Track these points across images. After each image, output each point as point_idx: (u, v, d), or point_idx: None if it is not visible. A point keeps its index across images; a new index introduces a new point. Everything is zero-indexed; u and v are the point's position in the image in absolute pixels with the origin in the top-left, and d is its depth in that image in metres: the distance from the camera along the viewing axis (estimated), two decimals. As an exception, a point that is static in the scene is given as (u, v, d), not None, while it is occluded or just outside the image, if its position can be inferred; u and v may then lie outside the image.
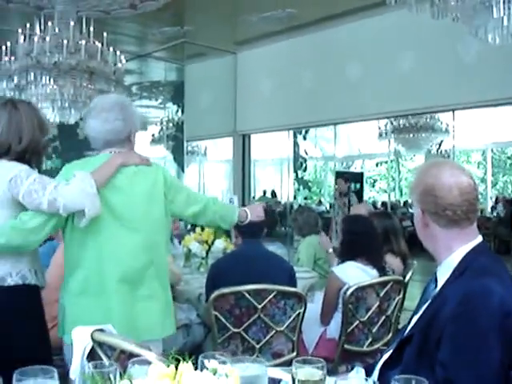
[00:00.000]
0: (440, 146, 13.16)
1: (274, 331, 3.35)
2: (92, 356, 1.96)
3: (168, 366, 1.20)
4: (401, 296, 3.88)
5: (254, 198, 13.32)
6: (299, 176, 13.70)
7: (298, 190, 13.82)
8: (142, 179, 2.75)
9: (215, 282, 3.52)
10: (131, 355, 1.75)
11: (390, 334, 3.84)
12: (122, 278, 2.63)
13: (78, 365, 1.98)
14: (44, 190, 2.48)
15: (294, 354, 3.41)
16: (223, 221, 3.06)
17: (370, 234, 3.88)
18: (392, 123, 12.09)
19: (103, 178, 2.60)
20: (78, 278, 2.66)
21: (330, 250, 5.20)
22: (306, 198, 14.72)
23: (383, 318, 3.77)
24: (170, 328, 2.87)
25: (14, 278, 2.60)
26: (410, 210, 12.72)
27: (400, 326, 3.81)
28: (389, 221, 4.64)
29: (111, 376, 1.36)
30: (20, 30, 6.99)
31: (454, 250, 1.87)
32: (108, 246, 2.64)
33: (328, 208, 14.29)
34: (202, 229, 4.93)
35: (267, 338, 3.36)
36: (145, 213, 2.71)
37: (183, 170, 12.45)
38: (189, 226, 8.23)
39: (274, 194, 14.33)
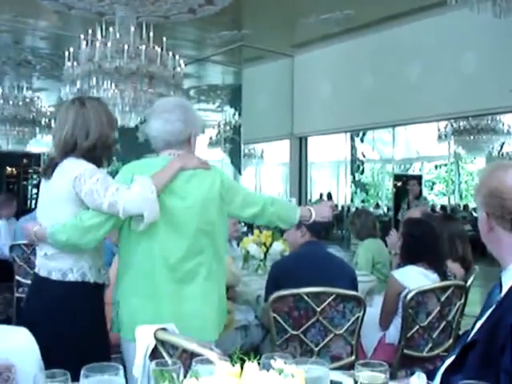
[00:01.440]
0: (502, 148, 12.88)
1: (332, 334, 3.33)
2: (154, 354, 1.99)
3: (233, 366, 1.21)
4: (462, 301, 3.80)
5: (310, 200, 13.28)
6: (356, 179, 13.61)
7: (355, 192, 13.72)
8: (198, 183, 2.75)
9: (278, 282, 3.52)
10: (193, 354, 1.78)
11: (451, 340, 3.76)
12: (172, 281, 2.67)
13: (140, 363, 2.02)
14: (105, 191, 2.52)
15: (353, 357, 3.38)
16: (282, 221, 3.03)
17: (432, 238, 3.81)
18: (452, 125, 11.88)
19: (163, 183, 2.63)
20: (131, 278, 2.71)
21: (394, 252, 5.14)
22: (363, 201, 14.59)
23: (444, 323, 3.70)
24: (220, 329, 2.88)
25: (74, 274, 2.68)
26: (474, 214, 12.45)
27: (461, 332, 3.74)
28: (455, 224, 4.59)
29: (174, 375, 1.38)
30: (82, 36, 7.18)
31: (518, 255, 1.83)
32: (160, 248, 2.66)
33: (386, 211, 14.12)
34: (260, 231, 4.96)
35: (326, 340, 3.33)
36: (199, 217, 2.71)
37: (240, 173, 12.53)
38: (245, 229, 8.26)
39: (329, 196, 14.27)
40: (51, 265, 2.69)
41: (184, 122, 2.76)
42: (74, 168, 2.64)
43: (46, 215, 2.73)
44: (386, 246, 5.48)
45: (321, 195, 14.83)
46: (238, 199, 2.87)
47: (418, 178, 13.69)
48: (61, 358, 2.09)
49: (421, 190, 11.71)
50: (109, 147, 2.82)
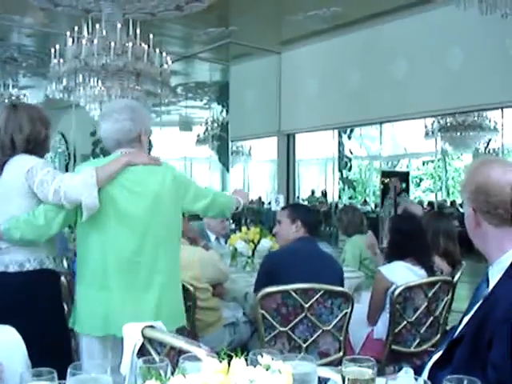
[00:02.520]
0: (488, 144, 12.92)
1: (320, 330, 3.34)
2: (142, 352, 1.98)
3: (220, 362, 1.21)
4: (449, 297, 3.82)
5: (298, 197, 13.29)
6: (344, 175, 13.62)
7: (343, 189, 13.74)
8: (149, 178, 2.83)
9: (271, 274, 3.56)
10: (181, 352, 1.77)
11: (438, 335, 3.79)
12: (124, 273, 2.74)
13: (128, 360, 2.01)
14: (53, 180, 2.64)
15: (341, 353, 3.39)
16: (228, 209, 3.24)
17: (420, 234, 3.84)
18: (439, 122, 11.91)
19: (106, 173, 2.69)
20: (86, 272, 2.79)
21: (377, 251, 5.16)
22: (350, 198, 14.62)
23: (431, 318, 3.72)
24: (180, 321, 2.95)
25: (32, 263, 2.76)
26: (461, 210, 12.51)
27: (448, 327, 3.76)
28: (443, 221, 4.63)
29: (162, 372, 1.38)
30: (68, 33, 7.13)
31: (506, 249, 1.83)
32: (111, 242, 2.74)
33: (373, 208, 14.16)
34: (248, 228, 4.96)
35: (314, 337, 3.34)
36: (150, 211, 2.79)
37: (228, 170, 12.51)
38: (233, 226, 8.26)
39: (324, 193, 14.28)
40: (7, 258, 2.74)
41: (132, 121, 2.84)
42: (25, 162, 2.74)
43: None
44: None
45: (312, 192, 14.86)
46: (190, 193, 2.98)
47: (405, 175, 13.72)
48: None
49: (407, 187, 11.76)
50: (40, 143, 2.91)
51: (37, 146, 2.88)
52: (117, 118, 2.83)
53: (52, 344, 2.67)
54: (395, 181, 10.39)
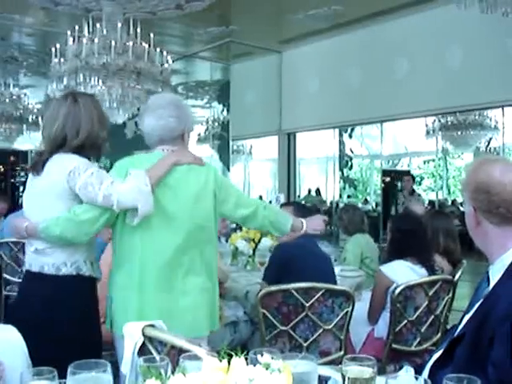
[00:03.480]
0: (489, 143, 12.90)
1: (321, 329, 3.34)
2: (142, 351, 1.98)
3: (220, 361, 1.21)
4: (450, 295, 3.82)
5: (299, 196, 13.28)
6: (345, 174, 13.59)
7: (344, 188, 13.71)
8: (193, 178, 2.78)
9: (286, 265, 3.64)
10: (181, 351, 1.77)
11: (439, 334, 3.79)
12: (162, 274, 2.68)
13: (129, 359, 2.01)
14: (100, 184, 2.53)
15: (342, 352, 3.39)
16: (274, 228, 3.03)
17: (419, 233, 3.84)
18: (440, 120, 11.89)
19: (157, 177, 2.64)
20: (124, 273, 2.72)
21: None
22: (350, 197, 14.60)
23: (432, 317, 3.72)
24: (214, 325, 2.89)
25: (68, 268, 2.65)
26: (462, 209, 12.50)
27: (449, 326, 3.76)
28: (443, 219, 4.63)
29: (162, 371, 1.38)
30: (69, 33, 7.12)
31: (507, 248, 1.83)
32: (152, 242, 2.68)
33: (374, 207, 14.14)
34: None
35: (315, 336, 3.34)
36: (190, 211, 2.73)
37: (229, 169, 12.51)
38: (234, 225, 8.26)
39: (318, 191, 14.26)
40: (44, 260, 2.65)
41: (177, 118, 2.79)
42: (67, 162, 2.62)
43: (36, 211, 2.69)
44: (375, 241, 5.50)
45: (309, 191, 14.84)
46: (231, 199, 2.89)
47: (406, 174, 13.70)
48: (52, 351, 2.09)
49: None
50: (98, 146, 2.80)
51: (92, 150, 2.76)
52: (161, 114, 2.77)
53: (82, 349, 2.46)
54: (407, 179, 10.42)
